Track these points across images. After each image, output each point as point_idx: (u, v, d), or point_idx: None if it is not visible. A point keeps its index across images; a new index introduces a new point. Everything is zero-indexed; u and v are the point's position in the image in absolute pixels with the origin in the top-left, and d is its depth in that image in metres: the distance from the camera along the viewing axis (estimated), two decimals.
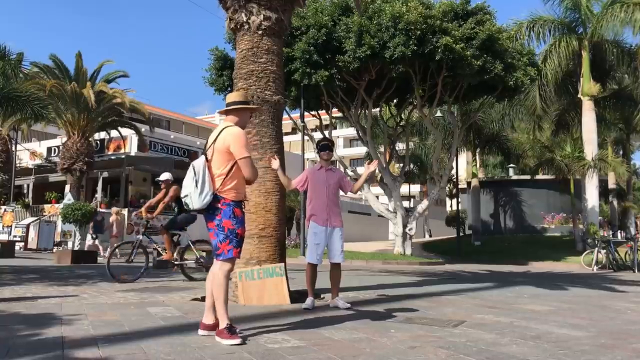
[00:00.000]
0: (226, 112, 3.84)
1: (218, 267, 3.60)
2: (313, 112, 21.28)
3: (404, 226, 19.50)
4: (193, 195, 3.57)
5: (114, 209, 19.25)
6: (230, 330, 3.42)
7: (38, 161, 28.41)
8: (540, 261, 19.20)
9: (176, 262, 8.35)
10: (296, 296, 5.64)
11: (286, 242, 7.11)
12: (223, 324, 3.47)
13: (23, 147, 28.71)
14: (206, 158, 3.65)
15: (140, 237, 8.43)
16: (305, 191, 5.63)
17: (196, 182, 3.56)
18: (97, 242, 18.05)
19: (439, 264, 18.09)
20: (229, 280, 3.62)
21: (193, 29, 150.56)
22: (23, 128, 24.44)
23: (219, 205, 3.56)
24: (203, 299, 5.83)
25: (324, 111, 21.56)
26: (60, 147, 24.24)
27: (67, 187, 22.05)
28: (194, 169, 3.60)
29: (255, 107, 4.24)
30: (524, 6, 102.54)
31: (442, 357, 3.15)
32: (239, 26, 6.06)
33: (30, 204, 25.86)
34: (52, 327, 3.91)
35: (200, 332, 3.62)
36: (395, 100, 20.78)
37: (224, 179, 3.59)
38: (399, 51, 15.07)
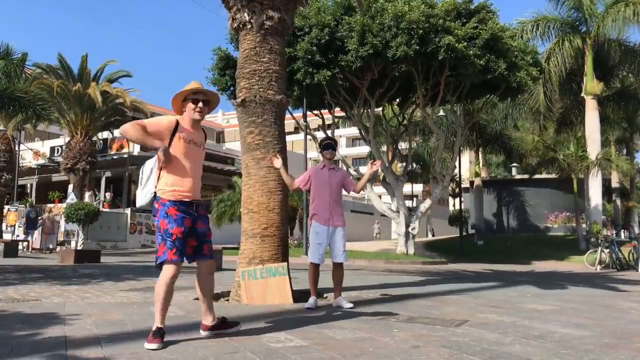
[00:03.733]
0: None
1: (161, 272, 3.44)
2: (315, 112, 21.28)
3: (407, 225, 19.48)
4: (137, 191, 3.56)
5: (47, 208, 20.55)
6: (154, 334, 3.25)
7: (41, 161, 28.51)
8: (543, 260, 19.16)
9: None
10: (299, 295, 5.64)
11: (289, 242, 7.11)
12: (154, 326, 3.32)
13: (26, 147, 28.80)
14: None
15: None
16: (309, 190, 5.63)
17: (141, 179, 3.54)
18: (29, 237, 19.27)
19: (441, 263, 18.08)
20: (168, 288, 3.37)
21: (195, 29, 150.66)
22: (29, 128, 24.56)
23: (156, 205, 3.44)
24: None
25: (326, 110, 21.57)
26: (64, 147, 24.33)
27: (70, 187, 22.14)
28: (142, 167, 3.58)
29: (182, 92, 3.56)
30: (526, 5, 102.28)
31: (445, 356, 3.14)
32: (241, 25, 6.06)
33: (34, 203, 25.95)
34: (55, 326, 3.92)
35: (202, 332, 3.62)
36: (397, 100, 20.77)
37: (159, 177, 3.46)
38: (401, 50, 15.05)
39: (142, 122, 3.47)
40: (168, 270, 3.42)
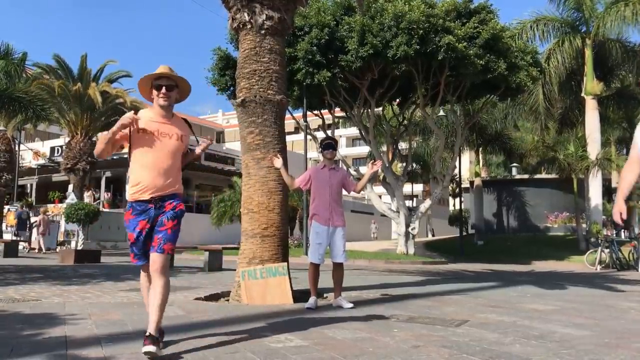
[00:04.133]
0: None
1: None
2: (315, 112, 21.28)
3: (407, 225, 19.48)
4: None
5: (42, 209, 20.61)
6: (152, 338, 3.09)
7: (41, 161, 28.53)
8: (543, 260, 19.16)
9: None
10: (299, 295, 5.64)
11: (289, 242, 7.11)
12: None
13: (26, 147, 28.81)
14: None
15: None
16: (309, 190, 5.64)
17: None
18: (21, 237, 19.18)
19: (441, 263, 18.08)
20: (145, 287, 3.34)
21: (196, 28, 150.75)
22: (29, 128, 24.60)
23: None
24: (206, 298, 5.87)
25: (326, 110, 21.57)
26: (64, 147, 24.33)
27: (70, 187, 22.15)
28: None
29: (144, 79, 3.35)
30: (526, 5, 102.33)
31: (445, 356, 3.14)
32: (241, 26, 6.06)
33: (34, 203, 25.96)
34: (55, 326, 3.92)
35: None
36: (397, 100, 20.77)
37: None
38: (401, 50, 15.05)
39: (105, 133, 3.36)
40: (141, 273, 3.40)
